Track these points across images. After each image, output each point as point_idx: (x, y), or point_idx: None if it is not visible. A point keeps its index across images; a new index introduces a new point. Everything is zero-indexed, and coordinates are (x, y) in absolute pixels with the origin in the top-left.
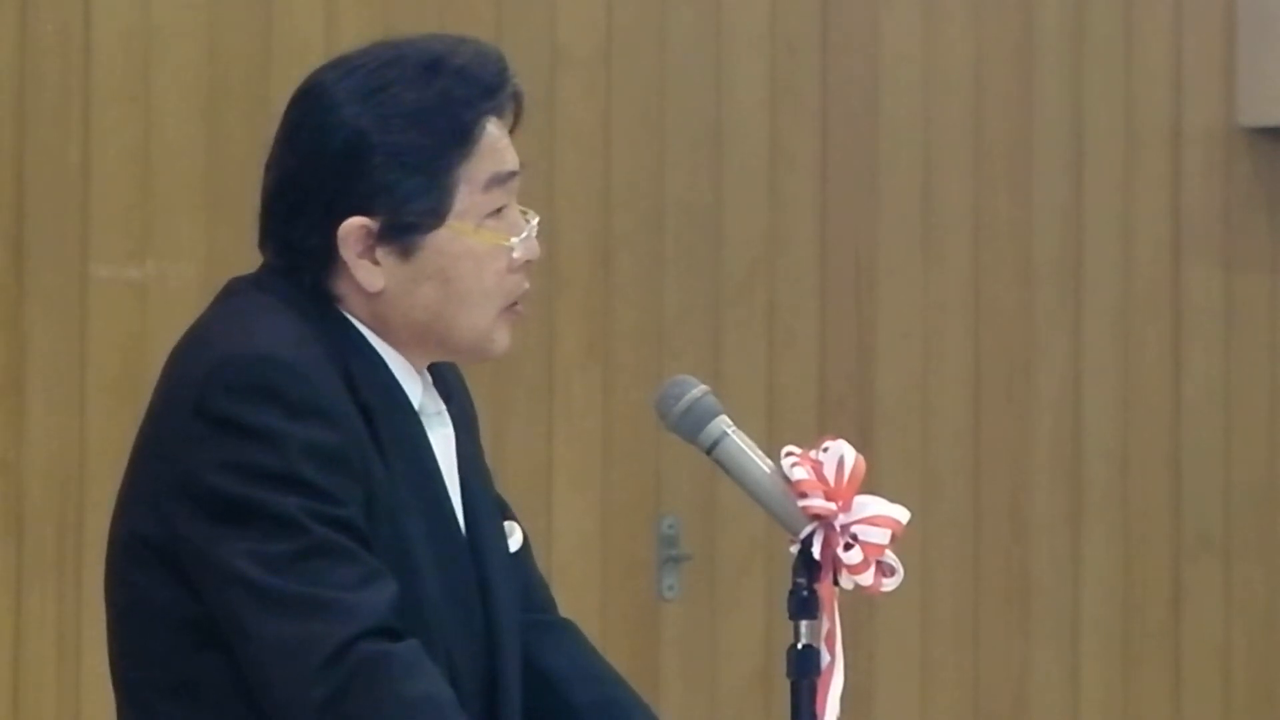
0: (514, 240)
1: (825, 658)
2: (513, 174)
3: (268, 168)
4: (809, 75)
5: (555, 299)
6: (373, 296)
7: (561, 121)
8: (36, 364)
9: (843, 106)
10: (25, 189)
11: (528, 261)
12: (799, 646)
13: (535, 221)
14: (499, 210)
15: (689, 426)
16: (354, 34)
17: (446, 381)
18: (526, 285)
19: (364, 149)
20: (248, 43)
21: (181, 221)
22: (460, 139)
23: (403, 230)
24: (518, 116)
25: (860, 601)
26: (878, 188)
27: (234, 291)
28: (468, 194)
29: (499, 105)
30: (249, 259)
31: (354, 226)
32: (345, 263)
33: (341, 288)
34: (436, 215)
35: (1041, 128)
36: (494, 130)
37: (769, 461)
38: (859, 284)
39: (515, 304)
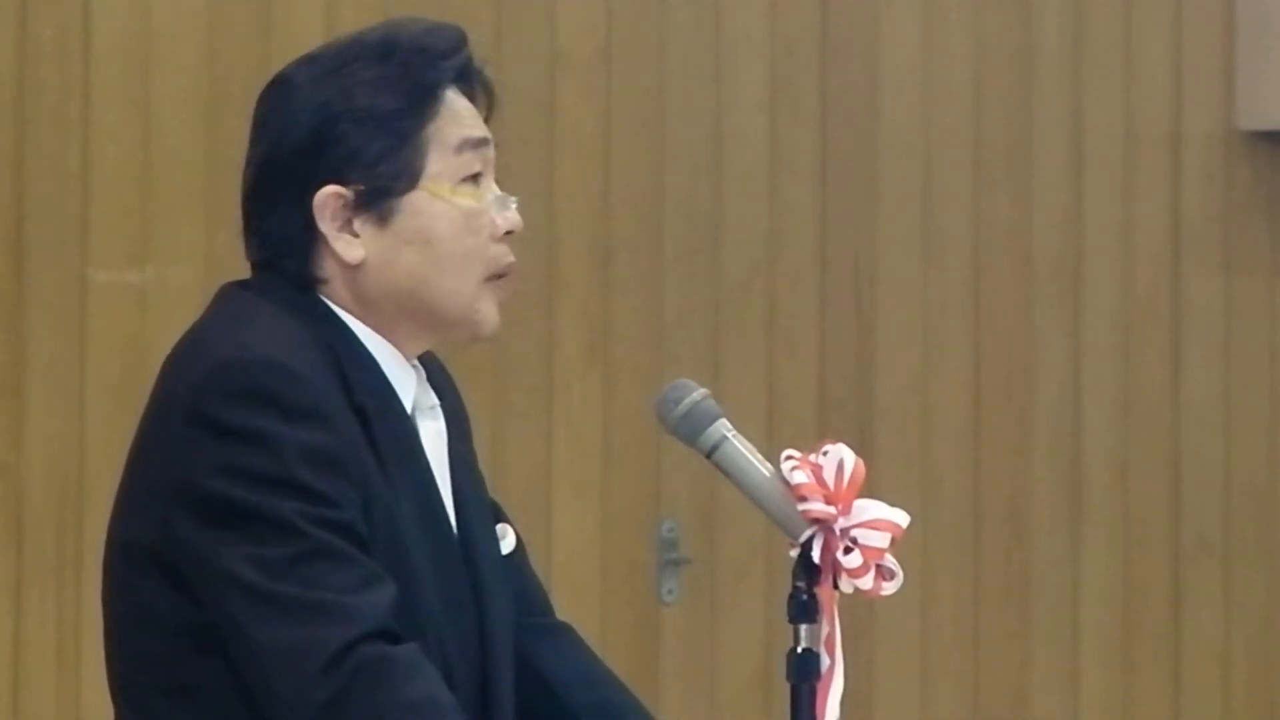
0: (491, 199)
1: (825, 661)
2: (484, 140)
3: (244, 170)
4: (808, 77)
5: (555, 300)
6: (356, 271)
7: (561, 124)
8: (36, 367)
9: (842, 108)
10: (25, 192)
11: (509, 233)
12: (799, 650)
13: (515, 201)
14: (475, 177)
15: (689, 430)
16: None
17: (437, 384)
18: (511, 258)
19: (329, 119)
20: (248, 45)
21: (181, 225)
22: (422, 99)
23: (377, 195)
24: (489, 102)
25: (860, 605)
26: (878, 189)
27: (227, 297)
28: (439, 156)
29: (458, 72)
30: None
31: (327, 195)
32: (325, 241)
33: (325, 269)
34: (409, 177)
35: (1041, 130)
36: (456, 97)
37: (768, 465)
38: (859, 285)
39: (501, 276)
